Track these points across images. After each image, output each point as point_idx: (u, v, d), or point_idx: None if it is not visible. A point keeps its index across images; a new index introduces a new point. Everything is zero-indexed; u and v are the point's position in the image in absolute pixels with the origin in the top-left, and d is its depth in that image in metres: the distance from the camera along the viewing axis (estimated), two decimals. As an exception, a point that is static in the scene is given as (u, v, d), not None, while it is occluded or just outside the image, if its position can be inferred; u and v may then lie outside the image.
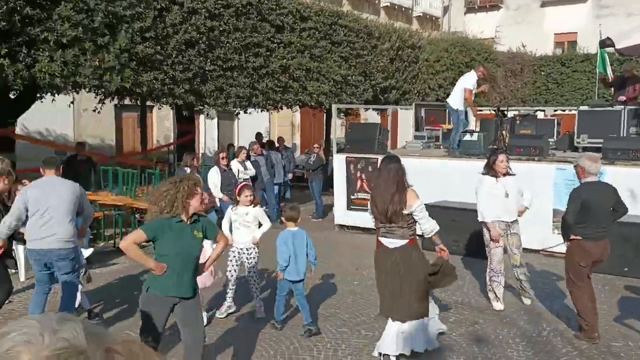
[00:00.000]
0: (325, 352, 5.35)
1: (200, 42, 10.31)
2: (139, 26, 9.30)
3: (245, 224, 6.14)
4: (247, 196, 6.13)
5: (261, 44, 11.51)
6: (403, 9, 27.08)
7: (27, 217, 5.28)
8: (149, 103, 13.67)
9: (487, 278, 6.55)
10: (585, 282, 5.56)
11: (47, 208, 5.27)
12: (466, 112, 11.14)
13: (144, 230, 3.97)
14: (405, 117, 18.12)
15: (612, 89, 12.45)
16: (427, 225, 5.02)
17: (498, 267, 6.42)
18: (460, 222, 9.10)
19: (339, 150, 11.94)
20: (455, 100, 10.60)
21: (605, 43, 11.71)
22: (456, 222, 9.17)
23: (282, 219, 6.12)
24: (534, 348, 5.43)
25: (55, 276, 5.52)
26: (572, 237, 5.56)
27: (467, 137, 10.76)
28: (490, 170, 6.54)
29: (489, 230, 6.43)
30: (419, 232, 5.05)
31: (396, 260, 4.85)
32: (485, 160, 6.74)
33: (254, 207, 6.24)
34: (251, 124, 18.37)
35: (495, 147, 10.98)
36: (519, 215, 6.64)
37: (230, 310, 6.28)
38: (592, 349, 5.39)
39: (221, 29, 10.65)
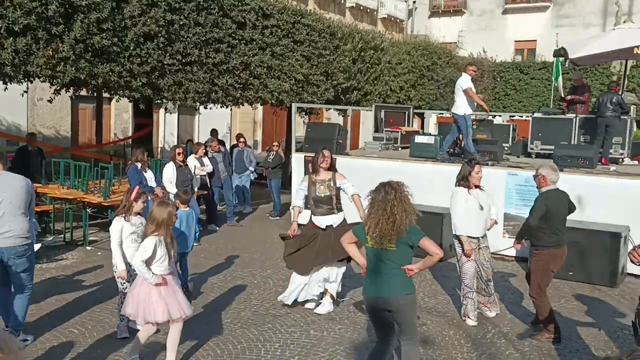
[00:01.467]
0: (272, 352, 5.34)
1: (160, 35, 10.15)
2: (96, 17, 9.09)
3: (138, 239, 5.19)
4: (144, 202, 5.39)
5: (222, 39, 11.40)
6: (368, 11, 27.25)
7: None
8: (106, 95, 13.41)
9: (462, 294, 6.32)
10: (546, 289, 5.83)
11: (1, 202, 5.09)
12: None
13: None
14: (368, 118, 18.22)
15: (569, 97, 12.77)
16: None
17: (471, 283, 6.20)
18: (422, 226, 9.19)
19: (299, 150, 11.95)
20: (458, 106, 10.12)
21: (558, 53, 12.01)
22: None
23: (177, 201, 6.89)
24: (477, 350, 5.54)
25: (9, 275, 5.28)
26: (534, 249, 5.82)
27: (422, 139, 10.89)
28: (463, 180, 6.24)
29: (461, 244, 6.19)
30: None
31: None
32: (459, 171, 6.34)
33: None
34: (212, 119, 18.20)
35: (452, 151, 11.19)
36: (488, 229, 6.41)
37: None
38: (534, 351, 5.53)
39: (181, 23, 10.50)
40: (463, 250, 6.16)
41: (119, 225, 5.31)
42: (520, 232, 6.05)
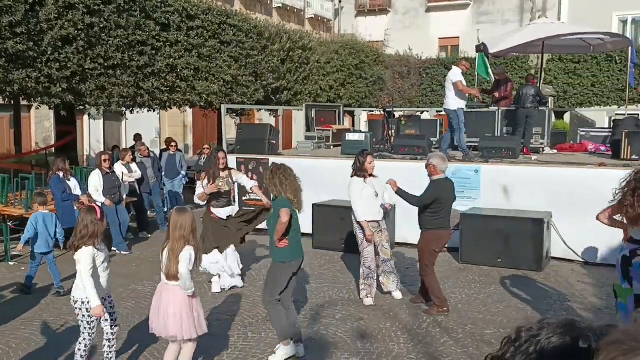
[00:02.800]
0: (209, 358, 5.25)
1: (79, 39, 9.77)
2: (8, 20, 8.66)
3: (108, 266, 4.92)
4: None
5: (146, 42, 11.11)
6: (295, 11, 27.29)
7: None
8: (25, 103, 12.79)
9: (362, 276, 6.74)
10: (433, 266, 6.47)
11: None
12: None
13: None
14: (300, 117, 18.24)
15: (495, 94, 13.21)
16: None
17: (373, 265, 6.66)
18: (349, 221, 9.28)
19: (231, 152, 11.81)
20: (450, 101, 10.02)
21: (479, 48, 12.43)
22: (345, 220, 9.35)
23: (34, 204, 7.34)
24: (414, 340, 5.65)
25: None
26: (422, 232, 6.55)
27: (353, 137, 11.00)
28: (359, 171, 6.76)
29: (362, 230, 6.63)
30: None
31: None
32: (354, 162, 6.88)
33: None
34: (140, 124, 17.73)
35: (381, 146, 11.37)
36: (386, 213, 6.99)
37: None
38: (467, 338, 5.70)
39: (101, 25, 10.15)
40: (365, 235, 6.61)
41: (90, 255, 4.45)
42: (406, 196, 6.58)
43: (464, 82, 10.11)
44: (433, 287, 6.36)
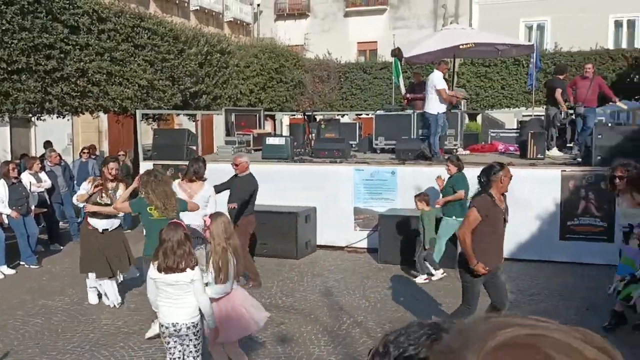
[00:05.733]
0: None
1: (-21, 41, 9.21)
2: None
3: None
4: None
5: (53, 45, 10.59)
6: (214, 14, 26.94)
7: None
8: None
9: None
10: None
11: None
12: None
13: None
14: (221, 122, 18.00)
15: (408, 95, 13.58)
16: None
17: None
18: (269, 225, 9.27)
19: (146, 158, 11.50)
20: (432, 104, 9.89)
21: (394, 52, 12.75)
22: (266, 225, 9.33)
23: None
24: (334, 342, 5.70)
25: None
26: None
27: (274, 141, 10.99)
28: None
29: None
30: None
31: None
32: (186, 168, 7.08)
33: None
34: (51, 131, 16.89)
35: (301, 150, 11.42)
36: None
37: None
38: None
39: (4, 28, 9.60)
40: None
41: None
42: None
43: (447, 89, 10.00)
44: (250, 266, 7.41)
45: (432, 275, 7.84)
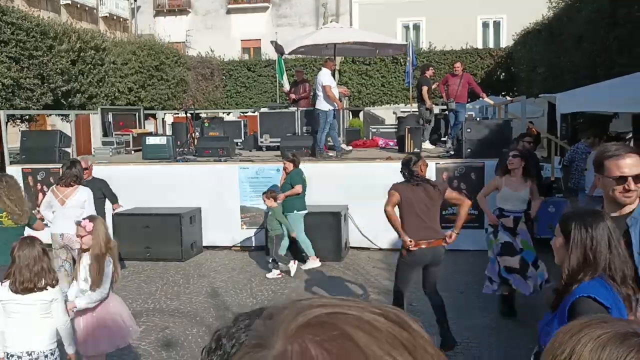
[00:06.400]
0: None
1: None
2: None
3: None
4: None
5: None
6: (87, 9, 25.55)
7: None
8: None
9: None
10: None
11: None
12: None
13: None
14: (98, 122, 17.12)
15: (292, 95, 13.67)
16: None
17: None
18: (152, 228, 8.99)
19: (14, 162, 10.71)
20: (322, 101, 9.89)
21: (275, 47, 12.83)
22: (149, 227, 9.03)
23: None
24: (220, 342, 5.62)
25: None
26: None
27: (154, 140, 10.65)
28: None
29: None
30: None
31: None
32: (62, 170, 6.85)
33: None
34: None
35: (184, 149, 11.14)
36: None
37: None
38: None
39: None
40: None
41: None
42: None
43: (333, 86, 10.03)
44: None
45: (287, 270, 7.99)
